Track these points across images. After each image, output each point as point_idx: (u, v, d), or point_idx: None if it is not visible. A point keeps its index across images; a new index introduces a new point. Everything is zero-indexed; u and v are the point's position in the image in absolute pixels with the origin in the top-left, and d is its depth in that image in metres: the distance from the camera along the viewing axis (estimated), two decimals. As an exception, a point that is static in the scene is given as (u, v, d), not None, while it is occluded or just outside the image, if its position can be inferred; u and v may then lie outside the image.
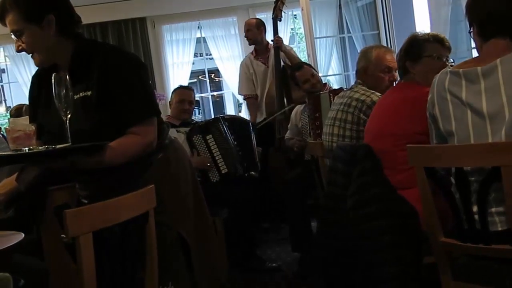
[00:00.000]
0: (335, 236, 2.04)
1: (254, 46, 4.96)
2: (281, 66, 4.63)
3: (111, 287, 1.54)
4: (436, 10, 5.17)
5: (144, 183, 1.65)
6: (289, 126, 4.17)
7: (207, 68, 7.46)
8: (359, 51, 3.46)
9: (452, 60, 2.33)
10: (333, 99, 3.19)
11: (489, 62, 1.63)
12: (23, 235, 1.68)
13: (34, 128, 1.78)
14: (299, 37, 8.63)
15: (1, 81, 7.40)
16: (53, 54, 1.97)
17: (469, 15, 1.78)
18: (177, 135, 3.58)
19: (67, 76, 1.79)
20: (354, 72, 3.05)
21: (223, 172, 3.68)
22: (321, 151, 2.85)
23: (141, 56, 5.93)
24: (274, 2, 4.73)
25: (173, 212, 2.08)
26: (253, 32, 4.83)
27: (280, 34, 4.80)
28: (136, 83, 1.96)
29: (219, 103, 10.59)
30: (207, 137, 3.70)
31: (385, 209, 1.90)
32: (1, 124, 6.27)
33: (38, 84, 2.08)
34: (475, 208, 1.60)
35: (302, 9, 4.99)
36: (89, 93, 1.91)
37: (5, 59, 6.95)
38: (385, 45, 6.05)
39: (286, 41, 5.24)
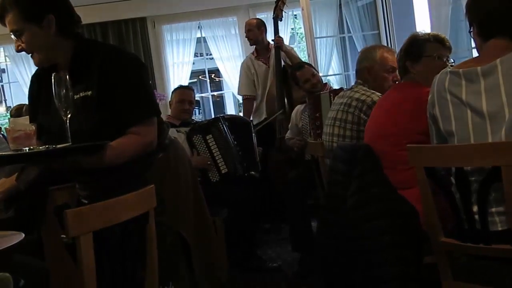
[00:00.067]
0: (335, 236, 2.03)
1: (255, 46, 4.96)
2: (282, 66, 4.63)
3: (111, 287, 1.54)
4: (436, 10, 5.17)
5: (144, 183, 1.65)
6: (289, 126, 4.18)
7: (207, 68, 7.46)
8: (359, 51, 3.45)
9: (452, 60, 2.33)
10: (334, 99, 3.19)
11: (489, 62, 1.63)
12: (23, 235, 1.67)
13: (34, 128, 1.78)
14: (299, 37, 8.64)
15: (1, 81, 7.40)
16: (53, 54, 1.97)
17: (469, 15, 1.78)
18: (177, 135, 3.58)
19: (67, 76, 1.79)
20: (354, 72, 3.04)
21: (223, 172, 3.68)
22: (321, 151, 2.85)
23: (141, 56, 5.93)
24: (275, 2, 4.73)
25: (173, 212, 2.08)
26: (254, 32, 4.83)
27: (281, 34, 4.80)
28: (136, 83, 1.96)
29: (219, 103, 10.60)
30: (207, 137, 3.70)
31: (385, 209, 1.90)
32: (1, 124, 6.27)
33: (38, 84, 2.07)
34: (475, 208, 1.60)
35: (303, 9, 4.99)
36: (89, 93, 1.91)
37: (5, 59, 6.95)
38: (385, 45, 6.05)
39: (286, 41, 5.24)
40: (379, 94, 2.73)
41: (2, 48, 6.60)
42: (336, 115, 2.85)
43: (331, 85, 5.71)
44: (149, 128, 1.96)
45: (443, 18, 5.08)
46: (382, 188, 1.94)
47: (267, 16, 5.56)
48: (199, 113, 9.79)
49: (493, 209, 1.59)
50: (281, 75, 4.58)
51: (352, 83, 3.05)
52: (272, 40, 4.73)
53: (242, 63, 5.10)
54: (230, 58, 6.42)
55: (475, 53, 4.45)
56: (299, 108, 4.08)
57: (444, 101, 1.74)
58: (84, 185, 2.02)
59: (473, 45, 2.04)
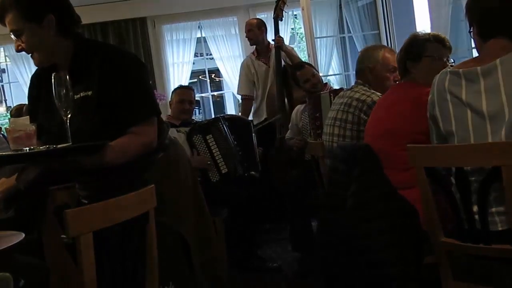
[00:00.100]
0: (336, 236, 2.03)
1: (255, 46, 4.96)
2: (282, 66, 4.63)
3: (112, 287, 1.54)
4: (437, 10, 5.17)
5: (144, 183, 1.65)
6: (289, 125, 4.18)
7: (208, 68, 7.46)
8: (359, 51, 3.45)
9: (452, 60, 2.33)
10: (334, 99, 3.19)
11: (488, 62, 1.63)
12: (24, 235, 1.68)
13: (34, 128, 1.78)
14: (299, 37, 8.63)
15: (2, 81, 7.41)
16: (53, 54, 1.96)
17: (469, 15, 1.78)
18: (177, 135, 3.58)
19: (67, 76, 1.79)
20: (354, 72, 3.04)
21: (223, 172, 3.68)
22: (321, 151, 2.85)
23: (141, 56, 5.93)
24: (276, 2, 4.73)
25: (173, 212, 2.08)
26: (254, 32, 4.83)
27: (281, 34, 4.79)
28: (136, 83, 1.96)
29: (219, 103, 10.60)
30: (207, 137, 3.70)
31: (385, 209, 1.90)
32: (1, 124, 6.27)
33: (38, 84, 2.07)
34: (475, 208, 1.60)
35: (303, 9, 4.99)
36: (89, 92, 1.91)
37: (6, 59, 6.95)
38: (386, 45, 6.05)
39: (286, 41, 5.24)
40: (379, 94, 2.73)
41: (2, 48, 6.60)
42: (336, 115, 2.85)
43: (331, 85, 5.70)
44: (149, 128, 1.96)
45: (443, 18, 5.08)
46: (382, 188, 1.93)
47: (267, 16, 5.56)
48: (199, 113, 9.79)
49: (493, 209, 1.59)
50: (281, 75, 4.58)
51: (352, 83, 3.05)
52: (273, 40, 4.73)
53: (242, 63, 5.11)
54: (230, 58, 6.42)
55: (475, 53, 4.45)
56: (299, 108, 4.08)
57: (444, 101, 1.74)
58: (84, 185, 2.02)
59: (473, 45, 2.04)
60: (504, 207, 1.56)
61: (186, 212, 2.19)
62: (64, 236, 1.36)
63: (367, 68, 2.85)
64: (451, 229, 1.70)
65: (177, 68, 6.37)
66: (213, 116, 5.81)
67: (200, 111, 10.07)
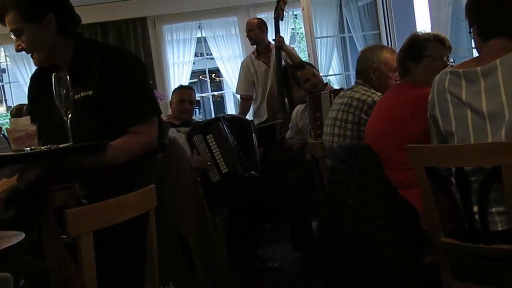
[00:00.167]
0: (336, 236, 2.03)
1: (255, 46, 4.96)
2: (283, 65, 4.63)
3: (112, 287, 1.54)
4: (437, 10, 5.17)
5: (144, 183, 1.65)
6: (289, 125, 4.18)
7: (208, 68, 7.46)
8: (359, 50, 3.45)
9: (452, 60, 2.33)
10: (334, 99, 3.19)
11: (488, 62, 1.63)
12: (24, 235, 1.68)
13: (35, 128, 1.78)
14: (299, 36, 8.63)
15: (2, 81, 7.41)
16: (53, 53, 1.96)
17: (469, 15, 1.78)
18: (177, 135, 3.58)
19: (67, 76, 1.79)
20: (355, 72, 3.04)
21: (223, 172, 3.68)
22: (321, 151, 2.85)
23: (141, 56, 5.93)
24: (276, 1, 4.73)
25: (174, 212, 2.08)
26: (255, 32, 4.84)
27: (281, 34, 4.80)
28: (136, 83, 1.96)
29: (219, 103, 10.60)
30: (208, 137, 3.70)
31: (385, 209, 1.90)
32: (1, 124, 6.28)
33: (38, 84, 2.07)
34: (475, 208, 1.60)
35: (303, 9, 5.00)
36: (89, 92, 1.91)
37: (6, 59, 6.95)
38: (386, 45, 6.05)
39: (286, 41, 5.25)
40: (380, 94, 2.73)
41: (2, 48, 6.60)
42: (337, 115, 2.85)
43: (332, 85, 5.70)
44: (149, 128, 1.96)
45: (444, 18, 5.08)
46: (382, 188, 1.94)
47: (267, 16, 5.56)
48: (199, 113, 9.80)
49: (493, 209, 1.59)
50: (282, 75, 4.58)
51: (353, 83, 3.05)
52: (273, 40, 4.74)
53: (242, 63, 5.11)
54: (230, 58, 6.42)
55: (475, 53, 4.45)
56: (299, 107, 4.09)
57: (444, 101, 1.74)
58: (84, 185, 2.02)
59: (473, 45, 2.04)
60: (504, 207, 1.56)
61: (186, 212, 2.19)
62: (64, 236, 1.36)
63: (371, 68, 2.84)
64: (451, 229, 1.69)
65: (177, 68, 6.37)
66: (213, 116, 5.81)
67: (200, 111, 10.07)
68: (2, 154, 1.91)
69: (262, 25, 4.86)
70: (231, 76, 6.35)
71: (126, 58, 2.01)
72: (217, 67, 6.70)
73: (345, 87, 4.70)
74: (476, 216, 1.60)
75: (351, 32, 6.69)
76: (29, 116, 1.97)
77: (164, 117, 2.58)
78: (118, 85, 1.90)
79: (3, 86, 7.27)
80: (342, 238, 1.98)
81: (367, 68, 2.87)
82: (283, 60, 4.65)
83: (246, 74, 4.96)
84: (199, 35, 6.49)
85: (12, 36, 1.92)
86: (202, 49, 6.91)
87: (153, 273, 1.65)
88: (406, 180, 1.99)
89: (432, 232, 1.70)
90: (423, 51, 2.30)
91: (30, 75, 2.20)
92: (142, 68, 2.05)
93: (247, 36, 4.94)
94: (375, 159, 1.97)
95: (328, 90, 3.75)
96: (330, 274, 2.12)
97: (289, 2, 4.80)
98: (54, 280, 1.90)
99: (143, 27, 6.19)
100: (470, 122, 1.65)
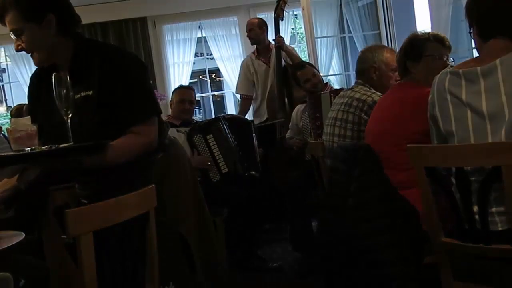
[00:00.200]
0: (336, 236, 2.03)
1: (255, 46, 4.96)
2: (282, 65, 4.64)
3: (112, 287, 1.54)
4: (437, 10, 5.17)
5: (144, 183, 1.65)
6: (290, 125, 4.18)
7: (208, 68, 7.46)
8: (360, 50, 3.45)
9: (452, 59, 2.33)
10: (334, 99, 3.19)
11: (488, 62, 1.63)
12: (24, 235, 1.68)
13: (36, 128, 1.78)
14: (299, 36, 8.63)
15: (2, 81, 7.41)
16: (53, 53, 1.96)
17: (469, 16, 1.78)
18: (177, 135, 3.58)
19: (68, 76, 1.79)
20: (355, 71, 3.03)
21: (223, 171, 3.68)
22: (321, 151, 2.85)
23: (141, 56, 5.93)
24: (276, 1, 4.73)
25: (174, 212, 2.08)
26: (256, 32, 4.84)
27: (281, 34, 4.80)
28: (136, 83, 1.96)
29: (219, 103, 10.61)
30: (208, 137, 3.70)
31: (385, 209, 1.90)
32: (1, 124, 6.28)
33: (38, 83, 2.07)
34: (475, 208, 1.60)
35: (303, 9, 5.00)
36: (90, 92, 1.91)
37: (6, 59, 6.95)
38: (386, 45, 6.05)
39: (287, 41, 5.25)
40: (380, 94, 2.73)
41: (2, 48, 6.60)
42: (337, 115, 2.85)
43: (332, 85, 5.70)
44: (150, 128, 1.96)
45: (444, 18, 5.08)
46: (383, 188, 1.94)
47: (267, 16, 5.56)
48: (199, 113, 9.80)
49: (493, 209, 1.59)
50: (282, 75, 4.59)
51: (353, 83, 3.05)
52: (273, 40, 4.74)
53: (242, 62, 5.12)
54: (230, 58, 6.42)
55: (475, 53, 4.45)
56: (299, 107, 4.09)
57: (444, 102, 1.73)
58: (84, 185, 2.02)
59: (473, 45, 2.04)
60: (504, 207, 1.56)
61: (186, 212, 2.19)
62: (64, 236, 1.36)
63: (372, 68, 2.84)
64: (451, 229, 1.69)
65: (178, 68, 6.37)
66: (213, 116, 5.82)
67: (201, 111, 10.08)
68: (3, 154, 1.91)
69: (263, 25, 4.87)
70: (231, 76, 6.35)
71: (126, 58, 2.01)
72: (217, 67, 6.70)
73: (345, 87, 4.70)
74: (476, 216, 1.60)
75: (351, 32, 6.69)
76: (29, 116, 1.97)
77: (164, 117, 2.58)
78: (118, 85, 1.90)
79: (3, 86, 7.27)
80: (342, 238, 1.98)
81: (368, 68, 2.86)
82: (283, 60, 4.65)
83: (246, 74, 4.96)
84: (199, 35, 6.49)
85: (12, 36, 1.92)
86: (202, 49, 6.91)
87: (153, 273, 1.65)
88: (406, 180, 2.00)
89: (432, 232, 1.70)
90: (423, 51, 2.30)
91: (30, 75, 2.20)
92: (142, 68, 2.05)
93: (247, 36, 4.94)
94: (375, 159, 1.97)
95: (328, 90, 3.75)
96: (330, 274, 2.12)
97: (289, 2, 4.80)
98: (54, 280, 1.90)
99: (143, 27, 6.19)
100: (470, 122, 1.65)
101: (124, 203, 1.53)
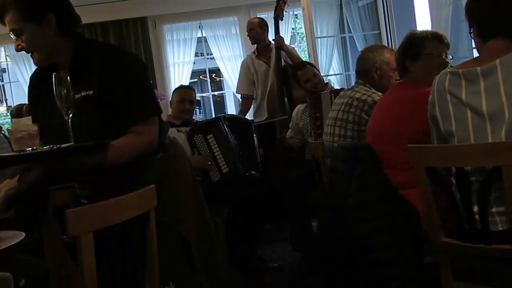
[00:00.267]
0: (336, 236, 2.04)
1: (256, 45, 4.97)
2: (282, 65, 4.64)
3: (112, 287, 1.54)
4: (437, 10, 5.17)
5: (144, 183, 1.65)
6: (290, 125, 4.18)
7: (208, 68, 7.46)
8: (360, 50, 3.45)
9: (451, 57, 2.33)
10: (334, 99, 3.19)
11: (488, 63, 1.63)
12: (24, 235, 1.68)
13: (37, 128, 1.78)
14: (300, 36, 8.62)
15: (2, 81, 7.41)
16: (53, 53, 1.96)
17: (469, 16, 1.78)
18: (177, 135, 3.58)
19: (68, 76, 1.79)
20: (355, 71, 3.03)
21: (224, 171, 3.68)
22: (321, 151, 2.85)
23: (142, 55, 5.93)
24: (276, 1, 4.73)
25: (174, 212, 2.08)
26: (256, 31, 4.84)
27: (281, 34, 4.80)
28: (137, 83, 1.96)
29: (220, 102, 10.61)
30: (208, 137, 3.71)
31: (385, 209, 1.90)
32: (1, 124, 6.28)
33: (38, 83, 2.07)
34: (475, 208, 1.60)
35: (303, 9, 5.00)
36: (90, 92, 1.91)
37: (6, 59, 6.95)
38: (386, 45, 6.05)
39: (287, 41, 5.26)
40: (380, 93, 2.73)
41: (2, 48, 6.60)
42: (337, 115, 2.85)
43: (332, 85, 5.70)
44: (150, 128, 1.96)
45: (444, 18, 5.08)
46: (383, 188, 1.94)
47: (267, 16, 5.55)
48: (199, 113, 9.80)
49: (494, 209, 1.59)
50: (282, 75, 4.59)
51: (353, 83, 3.05)
52: (273, 40, 4.74)
53: (242, 62, 5.12)
54: (230, 57, 6.42)
55: (475, 53, 4.45)
56: (300, 107, 4.09)
57: (444, 102, 1.73)
58: (84, 185, 2.02)
59: (474, 45, 2.04)
60: (504, 207, 1.56)
61: (186, 212, 2.19)
62: (64, 236, 1.36)
63: (373, 67, 2.84)
64: (451, 229, 1.69)
65: (178, 68, 6.37)
66: (213, 116, 5.82)
67: (201, 111, 10.08)
68: (5, 155, 1.92)
69: (263, 24, 4.87)
70: (231, 76, 6.35)
71: (126, 58, 2.01)
72: (218, 67, 6.70)
73: (346, 87, 4.70)
74: (476, 216, 1.60)
75: (351, 32, 6.69)
76: (30, 117, 1.97)
77: (164, 117, 2.58)
78: (118, 84, 1.90)
79: (3, 86, 7.27)
80: (342, 238, 1.99)
81: (369, 68, 2.86)
82: (283, 60, 4.65)
83: (247, 74, 4.97)
84: (199, 35, 6.49)
85: (12, 36, 1.92)
86: (202, 49, 6.91)
87: (153, 273, 1.65)
88: (406, 180, 2.00)
89: (432, 232, 1.70)
90: (421, 49, 2.29)
91: (30, 75, 2.19)
92: (142, 67, 2.05)
93: (248, 35, 4.94)
94: (375, 159, 1.97)
95: (329, 90, 3.75)
96: (330, 274, 2.12)
97: (289, 2, 4.80)
98: (54, 280, 1.90)
99: (143, 27, 6.19)
100: (470, 122, 1.65)
101: (124, 203, 1.53)
